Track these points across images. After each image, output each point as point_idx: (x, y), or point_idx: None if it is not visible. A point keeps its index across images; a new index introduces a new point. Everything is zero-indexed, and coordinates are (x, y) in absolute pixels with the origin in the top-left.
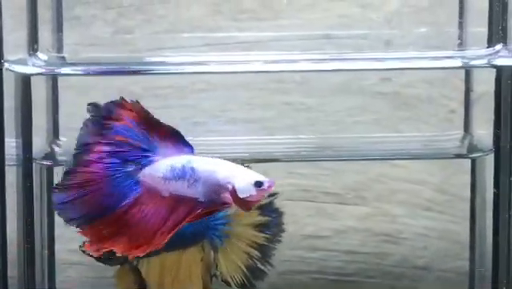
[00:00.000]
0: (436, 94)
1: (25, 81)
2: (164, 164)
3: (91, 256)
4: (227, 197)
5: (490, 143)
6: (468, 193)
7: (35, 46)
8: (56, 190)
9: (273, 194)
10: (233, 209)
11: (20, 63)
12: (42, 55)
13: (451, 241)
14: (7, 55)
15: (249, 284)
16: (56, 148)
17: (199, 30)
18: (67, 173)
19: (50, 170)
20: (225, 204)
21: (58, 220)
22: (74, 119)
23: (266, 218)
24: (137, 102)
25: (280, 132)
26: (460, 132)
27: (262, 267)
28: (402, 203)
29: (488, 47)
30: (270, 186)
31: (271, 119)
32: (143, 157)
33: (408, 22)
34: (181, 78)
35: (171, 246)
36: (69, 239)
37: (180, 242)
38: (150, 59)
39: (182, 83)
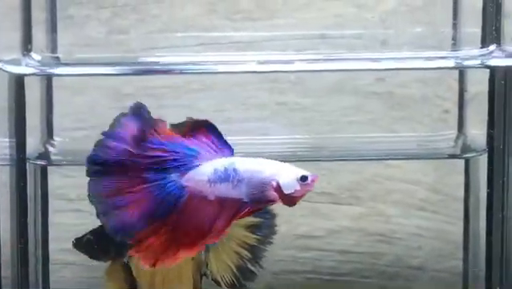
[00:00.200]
0: (431, 94)
1: (18, 81)
2: (206, 168)
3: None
4: (272, 194)
5: (484, 143)
6: (462, 193)
7: (29, 47)
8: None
9: None
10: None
11: (14, 64)
12: (35, 56)
13: (445, 241)
14: (1, 55)
15: (239, 284)
16: (50, 148)
17: (193, 30)
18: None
19: (44, 170)
20: (270, 201)
21: (52, 220)
22: (68, 119)
23: (259, 219)
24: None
25: (275, 132)
26: (454, 132)
27: (252, 268)
28: (396, 203)
29: (482, 48)
30: (313, 180)
31: (266, 118)
32: (185, 162)
33: (403, 22)
34: (176, 78)
35: None
36: (63, 239)
37: None
38: (144, 59)
39: (177, 83)
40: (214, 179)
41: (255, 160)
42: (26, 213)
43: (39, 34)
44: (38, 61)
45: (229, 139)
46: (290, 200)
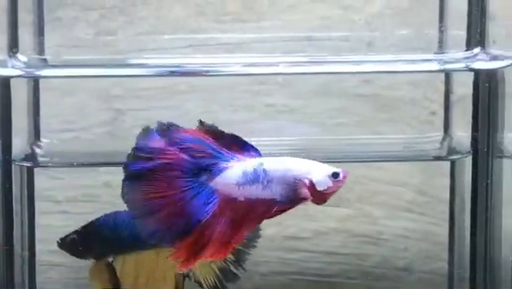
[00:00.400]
0: (418, 96)
1: (4, 83)
2: (235, 171)
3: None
4: (304, 192)
5: (469, 145)
6: (448, 195)
7: (15, 49)
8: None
9: None
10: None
11: None
12: (22, 57)
13: (431, 242)
14: None
15: (222, 286)
16: (37, 150)
17: (182, 32)
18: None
19: (30, 171)
20: (302, 199)
21: (39, 221)
22: (56, 120)
23: None
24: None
25: (263, 133)
26: (440, 134)
27: (235, 271)
28: (383, 205)
29: (466, 50)
30: (345, 176)
31: (254, 120)
32: (213, 165)
33: (390, 24)
34: (163, 79)
35: (146, 245)
36: (50, 240)
37: None
38: (132, 61)
39: (164, 85)
40: (244, 181)
41: (282, 160)
42: (11, 214)
43: (26, 36)
44: (25, 62)
45: None
46: (322, 197)
